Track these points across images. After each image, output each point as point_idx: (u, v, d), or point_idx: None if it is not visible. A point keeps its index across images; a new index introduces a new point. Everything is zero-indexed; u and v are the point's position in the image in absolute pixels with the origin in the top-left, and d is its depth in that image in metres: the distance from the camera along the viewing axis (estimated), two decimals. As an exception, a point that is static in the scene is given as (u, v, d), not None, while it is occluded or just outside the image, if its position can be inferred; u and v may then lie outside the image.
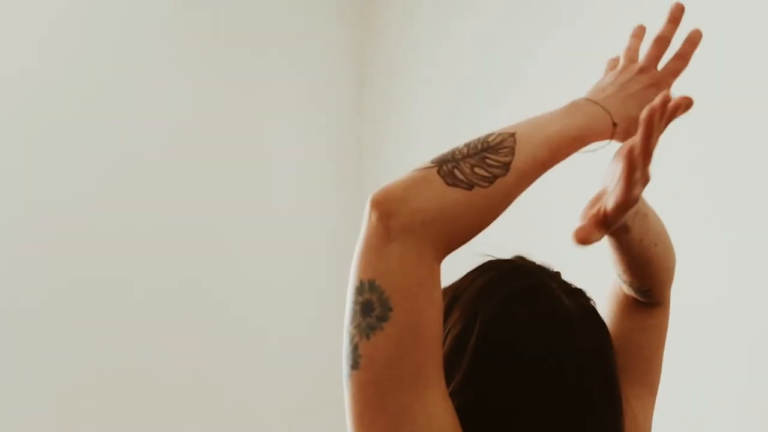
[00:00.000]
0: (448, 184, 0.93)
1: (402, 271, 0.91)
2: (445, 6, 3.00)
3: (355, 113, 3.28)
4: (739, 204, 2.14)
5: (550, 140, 0.98)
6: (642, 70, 1.07)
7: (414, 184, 0.93)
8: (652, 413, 1.16)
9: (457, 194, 0.93)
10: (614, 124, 1.02)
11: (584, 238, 0.92)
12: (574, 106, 1.02)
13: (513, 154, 0.95)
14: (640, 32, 1.12)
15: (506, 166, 0.95)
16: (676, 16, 1.08)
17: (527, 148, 0.96)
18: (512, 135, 0.97)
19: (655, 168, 0.91)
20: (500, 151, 0.95)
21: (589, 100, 1.04)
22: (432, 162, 0.95)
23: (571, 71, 2.45)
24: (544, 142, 0.97)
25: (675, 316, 1.18)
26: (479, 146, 0.96)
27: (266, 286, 3.05)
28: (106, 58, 2.82)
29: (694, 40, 1.08)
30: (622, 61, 1.09)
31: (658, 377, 1.15)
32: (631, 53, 1.09)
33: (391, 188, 0.93)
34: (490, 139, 0.97)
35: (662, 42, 1.08)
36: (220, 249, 2.98)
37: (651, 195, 1.03)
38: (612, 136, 1.02)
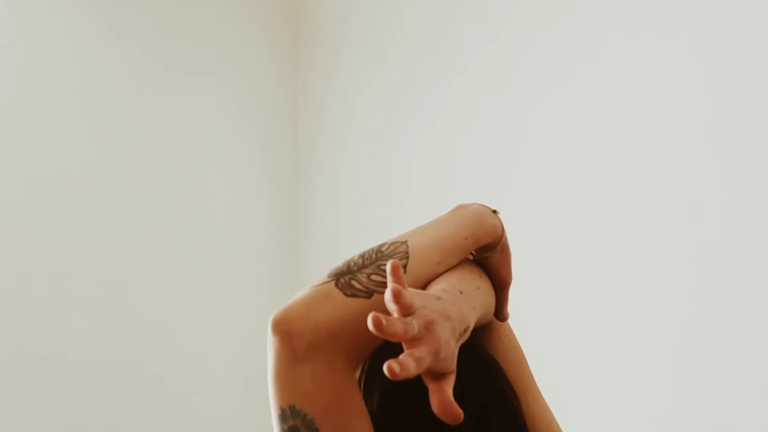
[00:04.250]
0: (348, 296, 0.92)
1: (319, 390, 0.90)
2: (374, 31, 3.04)
3: (290, 142, 3.27)
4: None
5: (441, 242, 1.00)
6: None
7: (313, 300, 0.92)
8: (546, 409, 1.13)
9: (358, 304, 0.92)
10: (494, 211, 1.05)
11: (450, 412, 0.81)
12: (461, 208, 1.05)
13: (407, 258, 0.97)
14: None
15: (402, 269, 0.94)
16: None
17: (421, 251, 0.98)
18: (404, 242, 0.99)
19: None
20: (394, 257, 0.96)
21: (473, 203, 1.07)
22: (328, 276, 0.95)
23: (490, 92, 2.60)
24: (436, 243, 1.00)
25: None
26: (374, 256, 0.96)
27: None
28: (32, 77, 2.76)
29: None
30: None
31: (531, 376, 1.12)
32: None
33: (290, 308, 0.92)
34: (383, 248, 0.98)
35: None
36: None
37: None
38: (502, 234, 1.05)
